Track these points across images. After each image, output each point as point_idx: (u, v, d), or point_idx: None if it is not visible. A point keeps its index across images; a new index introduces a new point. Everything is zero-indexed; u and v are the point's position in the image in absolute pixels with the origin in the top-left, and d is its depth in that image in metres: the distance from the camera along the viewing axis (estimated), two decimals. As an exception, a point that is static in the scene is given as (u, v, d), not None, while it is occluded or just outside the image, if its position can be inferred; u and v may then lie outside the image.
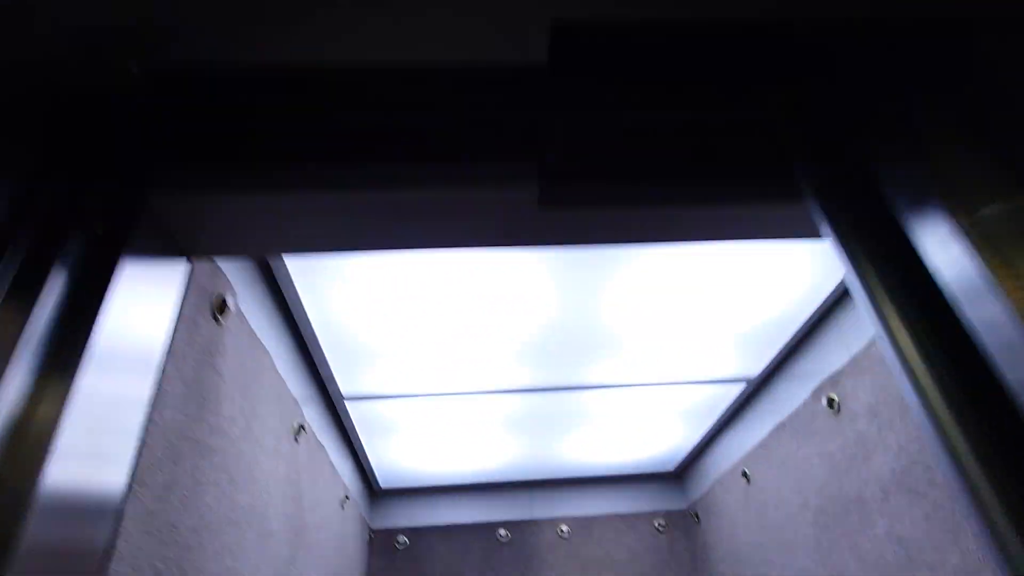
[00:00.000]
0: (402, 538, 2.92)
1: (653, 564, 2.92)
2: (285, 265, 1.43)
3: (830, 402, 1.78)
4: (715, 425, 2.54)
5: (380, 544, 2.91)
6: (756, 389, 2.25)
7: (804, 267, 1.60)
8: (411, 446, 2.53)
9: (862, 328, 1.65)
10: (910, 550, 1.48)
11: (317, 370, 1.89)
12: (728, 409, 2.40)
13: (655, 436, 2.64)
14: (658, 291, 1.62)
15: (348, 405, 2.13)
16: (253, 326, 1.36)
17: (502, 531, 2.96)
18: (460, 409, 2.22)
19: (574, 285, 1.58)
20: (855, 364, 1.67)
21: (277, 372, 1.50)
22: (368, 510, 2.93)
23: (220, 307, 1.14)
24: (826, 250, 1.50)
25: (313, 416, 1.91)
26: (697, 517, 2.94)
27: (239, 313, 1.25)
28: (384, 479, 2.90)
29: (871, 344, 1.60)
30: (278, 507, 1.46)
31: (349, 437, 2.41)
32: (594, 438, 2.62)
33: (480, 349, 1.83)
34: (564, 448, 2.71)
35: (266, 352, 1.42)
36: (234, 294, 1.21)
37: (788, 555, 2.06)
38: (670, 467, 3.08)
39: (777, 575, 2.14)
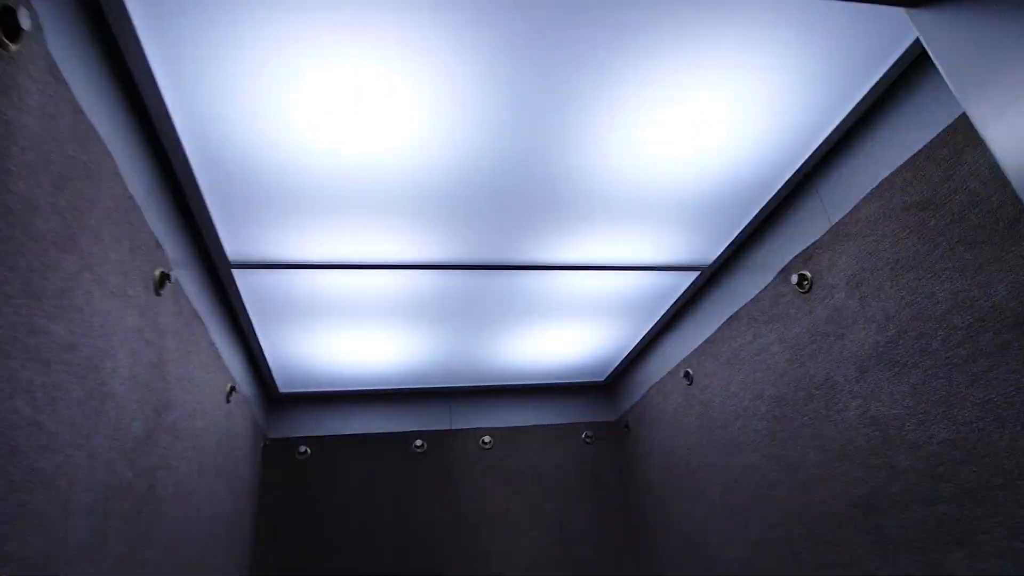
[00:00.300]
0: (303, 448, 2.58)
1: (580, 476, 2.76)
2: (138, 40, 1.01)
3: (800, 280, 1.59)
4: (657, 325, 2.35)
5: (277, 453, 2.56)
6: (711, 279, 2.05)
7: (786, 119, 1.36)
8: (316, 338, 2.17)
9: (849, 190, 1.45)
10: (887, 430, 1.32)
11: (191, 213, 1.47)
12: (674, 305, 2.20)
13: (589, 337, 2.42)
14: (612, 145, 1.33)
15: (237, 275, 1.73)
16: (82, 103, 0.94)
17: (418, 441, 2.69)
18: (371, 288, 1.88)
19: (518, 125, 1.26)
20: (837, 232, 1.47)
21: (128, 191, 1.10)
22: (264, 416, 2.56)
23: (4, 20, 0.72)
24: (826, 90, 1.25)
25: (190, 283, 1.51)
26: (628, 427, 2.80)
27: (50, 63, 0.84)
28: (284, 381, 2.53)
29: (862, 204, 1.39)
30: (125, 365, 1.08)
31: (239, 322, 2.02)
32: (522, 337, 2.37)
33: (397, 200, 1.49)
34: (487, 349, 2.44)
35: (107, 153, 1.01)
36: (33, 12, 0.79)
37: (733, 454, 1.92)
38: (600, 377, 2.90)
39: (720, 477, 2.00)
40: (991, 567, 1.09)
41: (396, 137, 1.28)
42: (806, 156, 1.49)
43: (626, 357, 2.65)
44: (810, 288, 1.57)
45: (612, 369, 2.79)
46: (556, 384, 2.92)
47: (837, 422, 1.47)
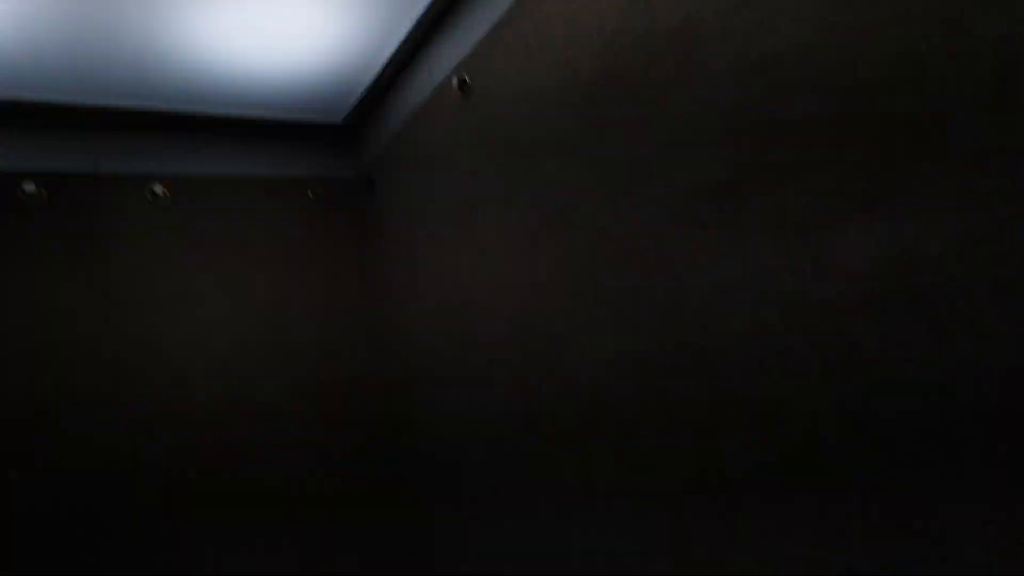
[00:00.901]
0: None
1: (303, 244, 2.06)
2: None
3: None
4: (428, 11, 1.63)
5: None
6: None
7: None
8: None
9: None
10: (784, 72, 0.87)
11: None
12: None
13: (330, 27, 1.61)
14: None
15: None
16: None
17: (30, 186, 1.66)
18: None
19: None
20: None
21: None
22: None
23: None
24: None
25: None
26: (373, 183, 2.13)
27: None
28: None
29: None
30: None
31: None
32: (221, 25, 1.45)
33: None
34: (162, 30, 1.47)
35: None
36: None
37: (525, 173, 1.39)
38: (337, 117, 2.13)
39: (497, 211, 1.48)
40: (907, 228, 0.73)
41: None
42: None
43: (378, 75, 1.90)
44: None
45: (358, 98, 2.03)
46: (274, 120, 2.06)
47: (694, 83, 1.00)
